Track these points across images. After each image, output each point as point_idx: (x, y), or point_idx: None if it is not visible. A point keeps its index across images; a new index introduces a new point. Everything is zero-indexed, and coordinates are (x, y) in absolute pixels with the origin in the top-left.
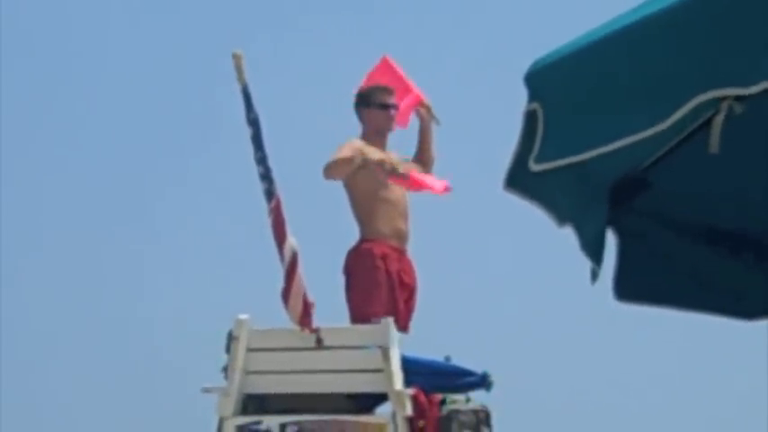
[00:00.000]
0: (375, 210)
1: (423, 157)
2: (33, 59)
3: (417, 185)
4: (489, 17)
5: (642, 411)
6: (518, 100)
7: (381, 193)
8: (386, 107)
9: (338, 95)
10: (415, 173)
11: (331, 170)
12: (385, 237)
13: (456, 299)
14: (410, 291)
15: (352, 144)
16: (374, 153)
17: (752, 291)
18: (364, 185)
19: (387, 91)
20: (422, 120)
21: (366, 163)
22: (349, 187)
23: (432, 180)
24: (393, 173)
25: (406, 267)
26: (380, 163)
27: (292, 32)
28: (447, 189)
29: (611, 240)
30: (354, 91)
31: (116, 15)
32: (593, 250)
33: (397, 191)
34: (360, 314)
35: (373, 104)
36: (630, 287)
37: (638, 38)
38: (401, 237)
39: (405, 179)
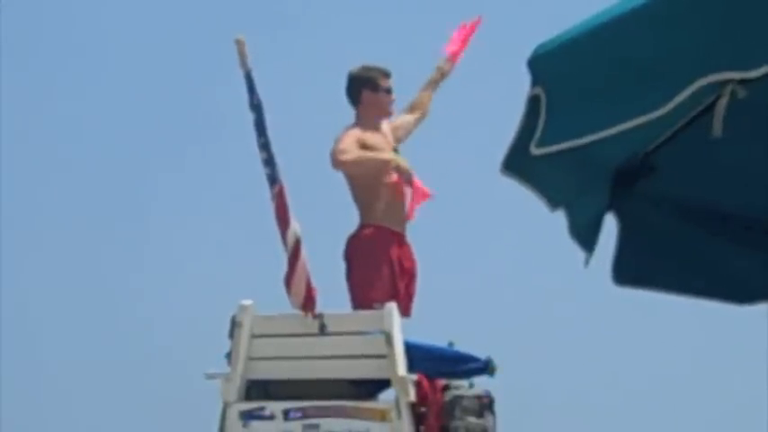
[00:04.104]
0: (375, 195)
1: (421, 107)
2: (32, 57)
3: (419, 197)
4: (492, 8)
5: (644, 396)
6: (521, 88)
7: (381, 178)
8: (389, 92)
9: (340, 83)
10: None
11: (351, 167)
12: (385, 221)
13: (459, 284)
14: (410, 276)
15: (354, 134)
16: (400, 159)
17: (750, 276)
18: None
19: (388, 75)
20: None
21: (397, 168)
22: (349, 173)
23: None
24: (409, 180)
25: (406, 252)
26: (407, 172)
27: (294, 25)
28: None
29: (611, 224)
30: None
31: (116, 10)
32: (587, 236)
33: (396, 176)
34: (361, 300)
35: (381, 90)
36: (629, 272)
37: (641, 22)
38: (400, 221)
39: (413, 190)
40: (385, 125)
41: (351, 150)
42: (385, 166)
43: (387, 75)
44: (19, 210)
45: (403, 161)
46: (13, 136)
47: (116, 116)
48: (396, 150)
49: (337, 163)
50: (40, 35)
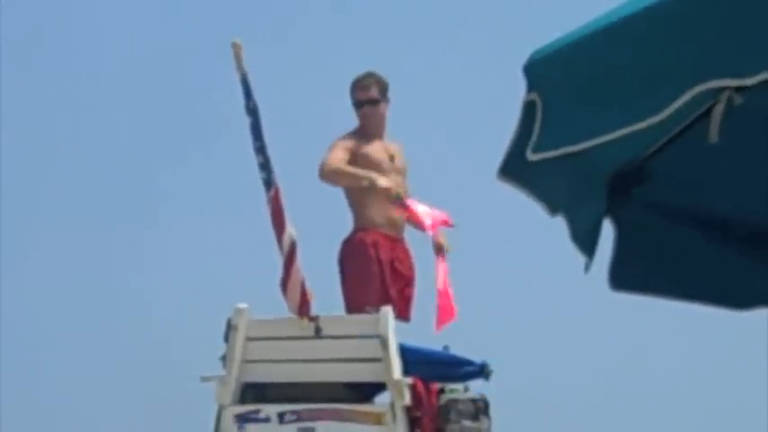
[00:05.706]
0: (368, 199)
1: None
2: (32, 57)
3: (413, 217)
4: (488, 14)
5: (642, 401)
6: (518, 93)
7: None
8: (359, 105)
9: (336, 87)
10: (413, 203)
11: (332, 178)
12: (378, 226)
13: (454, 288)
14: (406, 280)
15: (344, 144)
16: (381, 179)
17: (748, 281)
18: None
19: (361, 87)
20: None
21: (372, 186)
22: (331, 184)
23: (426, 215)
24: (396, 200)
25: (400, 256)
26: (387, 191)
27: (292, 27)
28: (440, 225)
29: (608, 230)
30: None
31: (116, 11)
32: (587, 241)
33: (391, 180)
34: (353, 304)
35: (354, 104)
36: (626, 277)
37: (638, 28)
38: (395, 225)
39: (404, 208)
40: (384, 140)
41: (333, 162)
42: (359, 182)
43: (360, 87)
44: (20, 209)
45: (385, 181)
46: (13, 136)
47: (115, 117)
48: (392, 159)
49: (320, 174)
50: (40, 35)
